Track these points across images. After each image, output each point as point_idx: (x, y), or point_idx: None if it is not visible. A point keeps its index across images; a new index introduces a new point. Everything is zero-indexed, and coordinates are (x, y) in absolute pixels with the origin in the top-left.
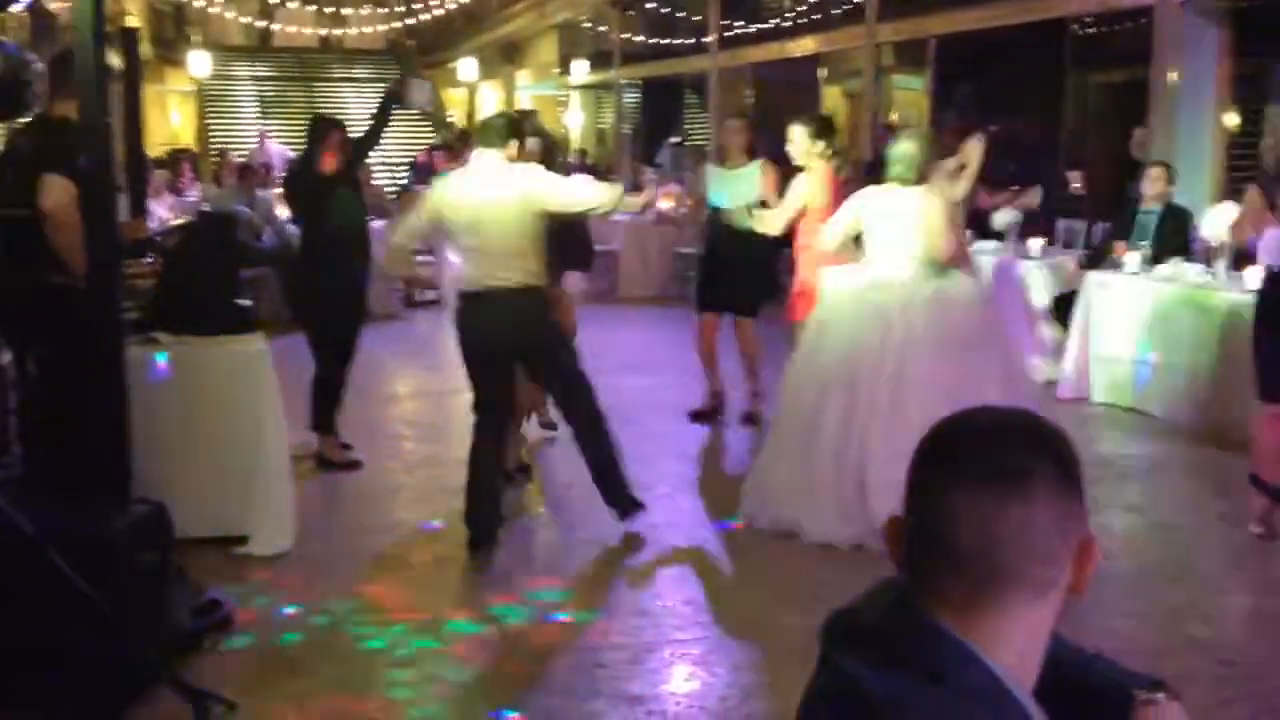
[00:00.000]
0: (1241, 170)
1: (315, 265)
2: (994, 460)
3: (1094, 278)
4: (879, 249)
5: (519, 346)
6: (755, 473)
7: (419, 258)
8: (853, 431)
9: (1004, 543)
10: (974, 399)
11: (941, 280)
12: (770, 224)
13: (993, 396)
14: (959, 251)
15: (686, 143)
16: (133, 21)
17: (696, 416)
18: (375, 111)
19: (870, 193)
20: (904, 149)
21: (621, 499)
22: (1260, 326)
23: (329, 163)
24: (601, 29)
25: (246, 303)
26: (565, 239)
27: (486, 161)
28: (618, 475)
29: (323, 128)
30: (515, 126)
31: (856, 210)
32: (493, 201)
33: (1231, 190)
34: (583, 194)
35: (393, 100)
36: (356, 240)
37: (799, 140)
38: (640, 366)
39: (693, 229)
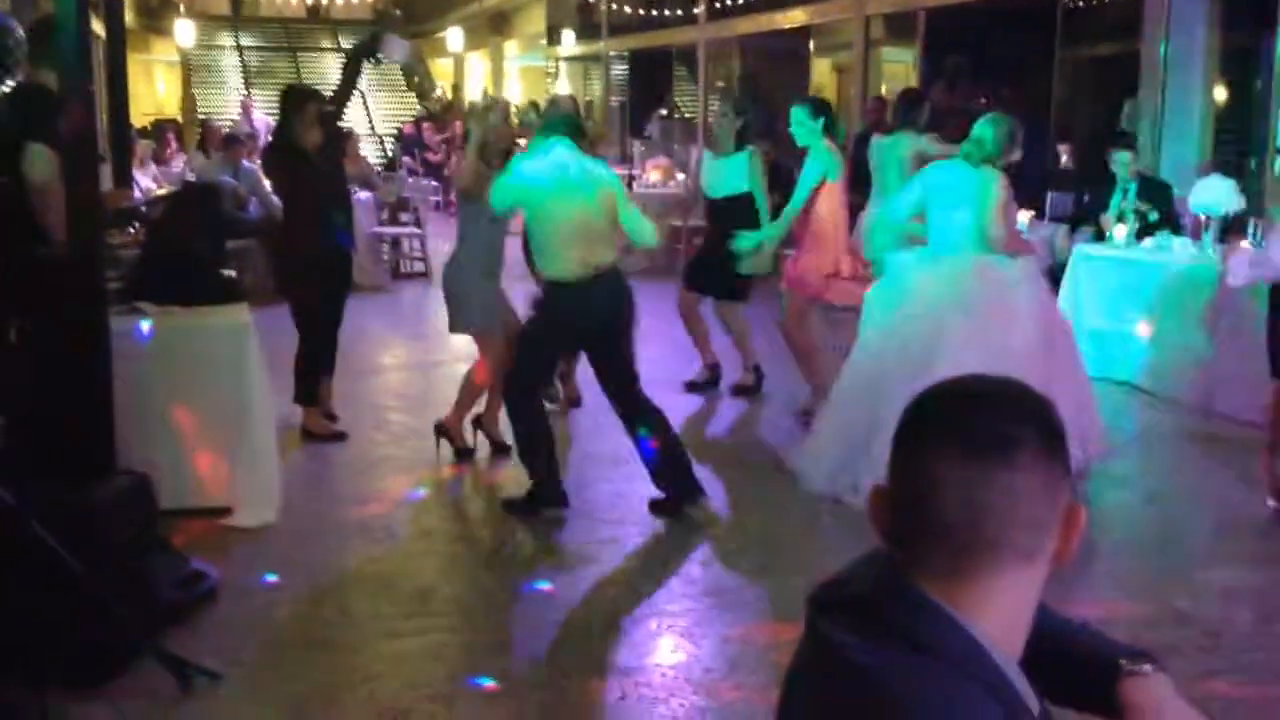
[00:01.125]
0: (1229, 144)
1: (297, 237)
2: (979, 428)
3: (1082, 250)
4: (941, 225)
5: (608, 328)
6: (814, 435)
7: (406, 231)
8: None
9: (990, 511)
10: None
11: (999, 257)
12: (786, 224)
13: (1037, 376)
14: (1012, 236)
15: (675, 115)
16: None
17: (691, 387)
18: (344, 64)
19: (934, 169)
20: (985, 132)
21: (685, 483)
22: (1274, 308)
23: (307, 135)
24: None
25: (231, 273)
26: None
27: (564, 154)
28: (682, 458)
29: (298, 99)
30: (580, 121)
31: (921, 186)
32: (586, 186)
33: (1219, 164)
34: (641, 225)
35: (365, 53)
36: (339, 211)
37: (801, 121)
38: None
39: (686, 202)
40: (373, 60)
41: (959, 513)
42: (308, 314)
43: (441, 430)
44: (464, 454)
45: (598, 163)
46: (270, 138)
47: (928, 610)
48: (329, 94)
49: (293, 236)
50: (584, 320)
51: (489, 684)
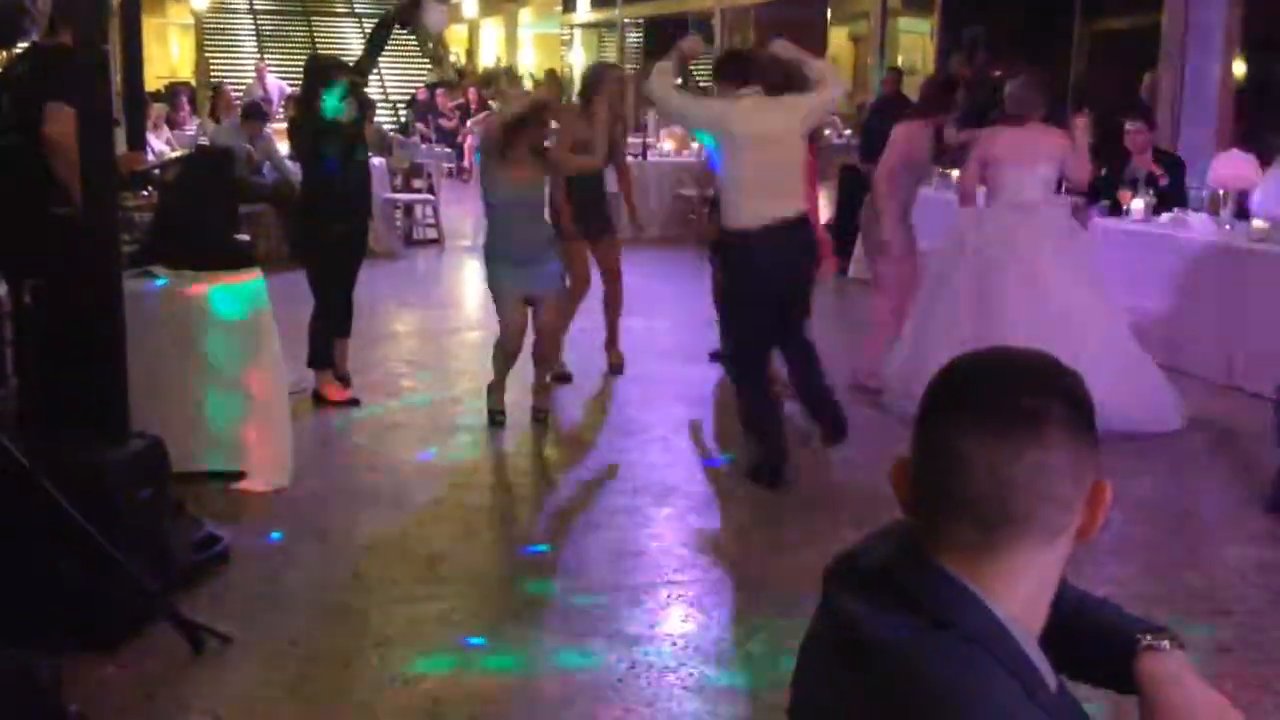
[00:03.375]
0: (1249, 118)
1: (318, 205)
2: (1007, 402)
3: (1098, 225)
4: (1008, 179)
5: (795, 282)
6: (899, 356)
7: (419, 198)
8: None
9: (1017, 487)
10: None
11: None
12: None
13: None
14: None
15: (689, 83)
16: None
17: (715, 356)
18: (372, 32)
19: (993, 130)
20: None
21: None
22: None
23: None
24: None
25: (245, 238)
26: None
27: (754, 95)
28: (831, 399)
29: (330, 71)
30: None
31: (986, 147)
32: (780, 132)
33: (1239, 137)
34: (832, 89)
35: (399, 20)
36: (359, 180)
37: None
38: (640, 309)
39: (697, 172)
40: (407, 29)
41: (985, 489)
42: (324, 279)
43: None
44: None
45: (782, 98)
46: (296, 107)
47: (948, 585)
48: (353, 63)
49: (313, 203)
50: (761, 274)
51: (499, 650)
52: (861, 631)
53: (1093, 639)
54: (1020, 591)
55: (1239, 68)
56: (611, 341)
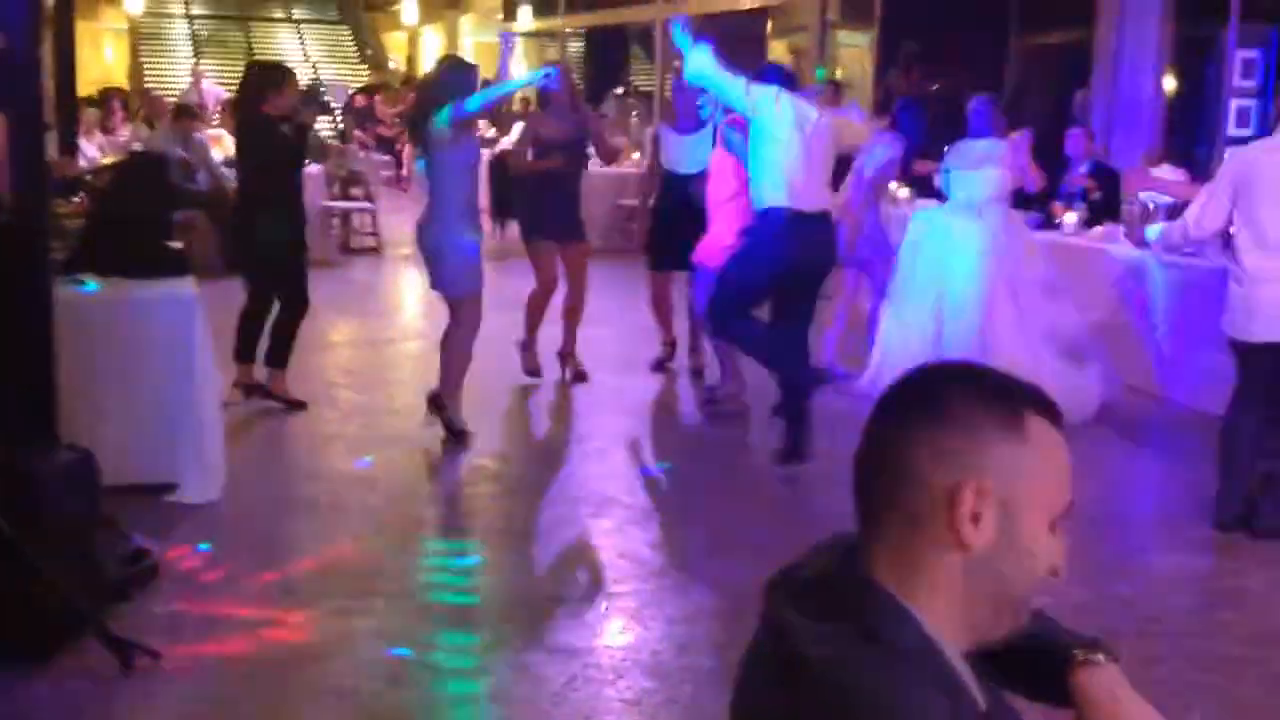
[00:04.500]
0: (1179, 134)
1: (261, 208)
2: (898, 392)
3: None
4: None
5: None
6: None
7: (357, 206)
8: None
9: (884, 466)
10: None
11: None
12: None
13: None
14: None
15: (631, 93)
16: None
17: (658, 366)
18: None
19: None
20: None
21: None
22: None
23: (281, 106)
24: None
25: (178, 245)
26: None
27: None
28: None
29: (281, 74)
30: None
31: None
32: (822, 128)
33: (1170, 153)
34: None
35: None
36: (298, 184)
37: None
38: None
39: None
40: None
41: (866, 470)
42: (267, 284)
43: (437, 404)
44: (460, 434)
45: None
46: (242, 109)
47: (877, 597)
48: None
49: (254, 207)
50: (797, 255)
51: (435, 664)
52: (795, 645)
53: (1027, 652)
54: (940, 605)
55: (1169, 83)
56: (569, 349)
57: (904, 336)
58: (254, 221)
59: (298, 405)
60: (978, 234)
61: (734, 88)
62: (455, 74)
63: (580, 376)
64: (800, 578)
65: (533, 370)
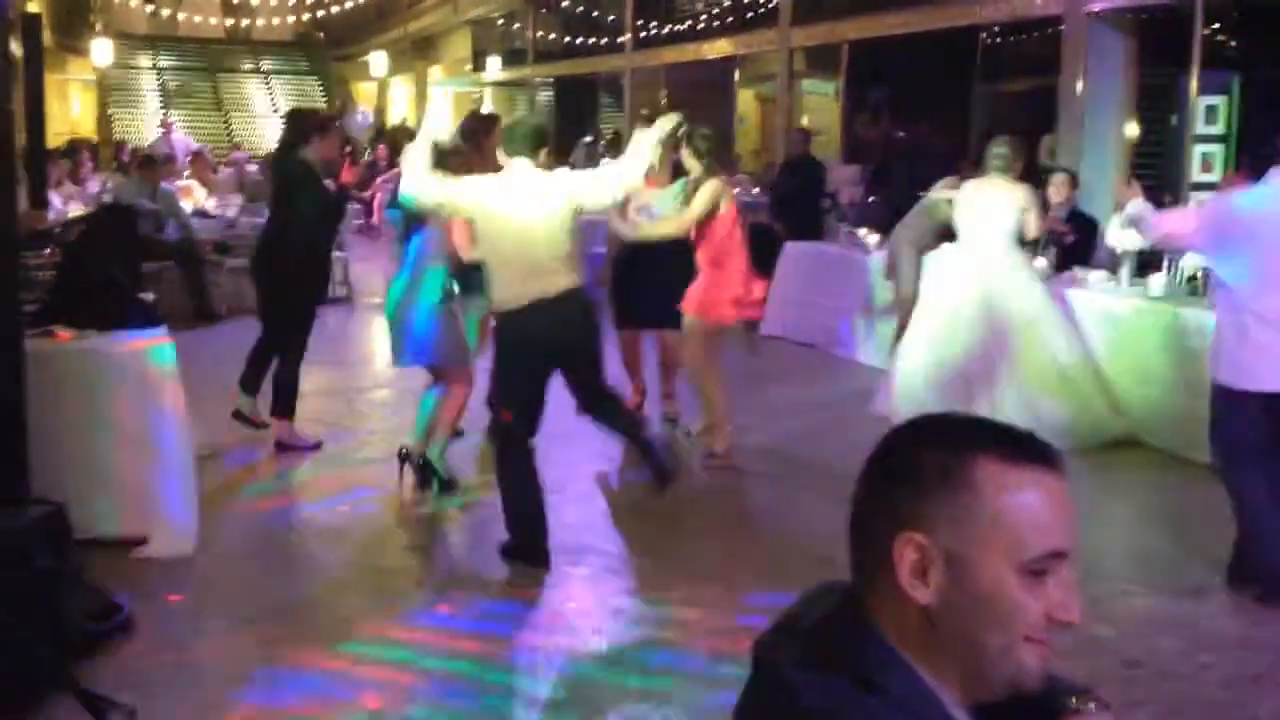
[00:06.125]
0: (1145, 179)
1: (294, 250)
2: (882, 450)
3: None
4: (974, 230)
5: (569, 353)
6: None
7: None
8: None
9: (852, 524)
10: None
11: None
12: (667, 226)
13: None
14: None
15: (600, 142)
16: (34, 8)
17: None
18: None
19: (971, 185)
20: (1001, 150)
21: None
22: None
23: (324, 151)
24: (515, 26)
25: (149, 296)
26: None
27: (521, 171)
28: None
29: (325, 121)
30: (542, 133)
31: (959, 199)
32: (541, 212)
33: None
34: (621, 178)
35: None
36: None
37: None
38: None
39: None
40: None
41: (849, 527)
42: (295, 326)
43: (412, 459)
44: (450, 485)
45: (558, 172)
46: (284, 153)
47: (876, 646)
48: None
49: (288, 249)
50: (527, 347)
51: (415, 716)
52: (791, 697)
53: (1020, 702)
54: (925, 656)
55: (1132, 129)
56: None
57: (917, 372)
58: (282, 264)
59: (314, 448)
60: (983, 275)
61: None
62: None
63: None
64: (793, 628)
65: None
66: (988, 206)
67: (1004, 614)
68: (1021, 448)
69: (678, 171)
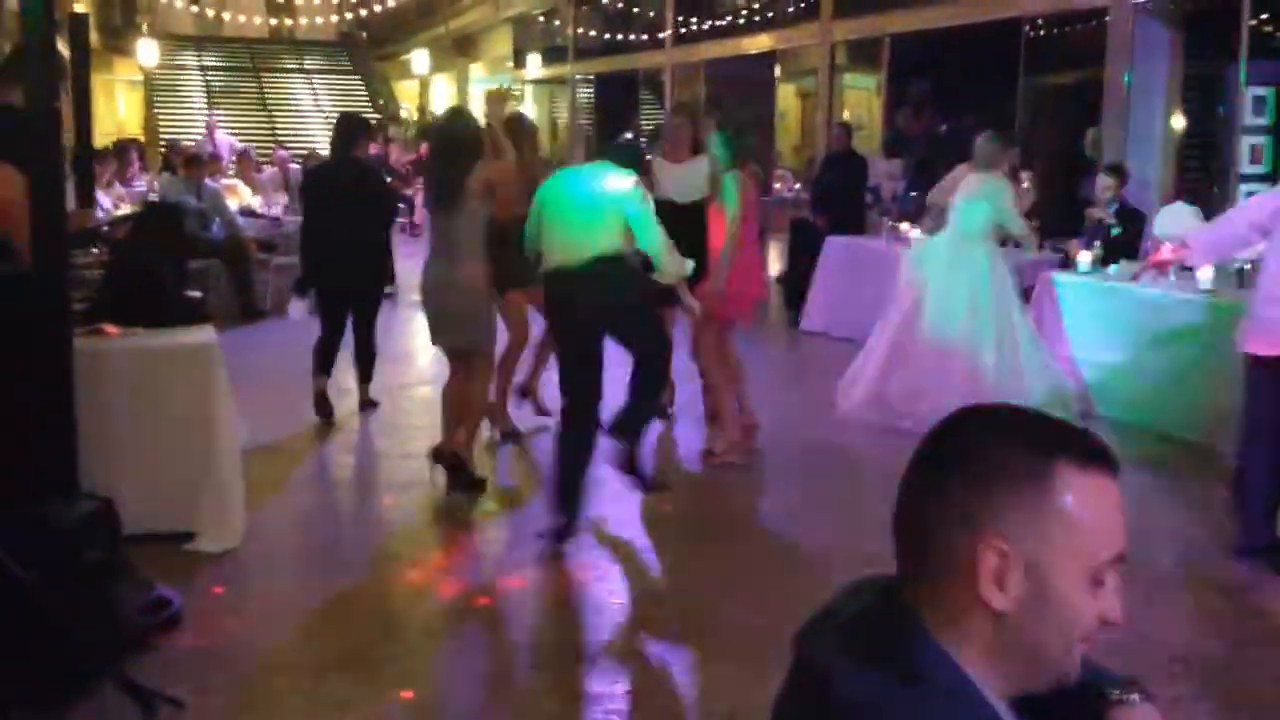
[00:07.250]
0: (1192, 171)
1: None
2: (931, 447)
3: (1046, 278)
4: (958, 217)
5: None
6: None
7: None
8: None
9: (912, 525)
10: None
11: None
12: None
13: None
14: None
15: (640, 138)
16: (81, 8)
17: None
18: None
19: (957, 172)
20: (984, 145)
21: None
22: None
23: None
24: (556, 23)
25: (196, 294)
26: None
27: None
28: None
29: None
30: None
31: (949, 189)
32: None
33: (1182, 191)
34: (661, 254)
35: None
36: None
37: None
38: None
39: None
40: None
41: (903, 522)
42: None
43: (446, 457)
44: (476, 483)
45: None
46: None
47: (920, 639)
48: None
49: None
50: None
51: (451, 710)
52: (835, 690)
53: (1062, 693)
54: (974, 655)
55: (1179, 121)
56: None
57: (939, 365)
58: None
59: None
60: (974, 264)
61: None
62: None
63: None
64: (835, 622)
65: (543, 412)
66: (964, 197)
67: (1069, 621)
68: (1093, 452)
69: (696, 147)
